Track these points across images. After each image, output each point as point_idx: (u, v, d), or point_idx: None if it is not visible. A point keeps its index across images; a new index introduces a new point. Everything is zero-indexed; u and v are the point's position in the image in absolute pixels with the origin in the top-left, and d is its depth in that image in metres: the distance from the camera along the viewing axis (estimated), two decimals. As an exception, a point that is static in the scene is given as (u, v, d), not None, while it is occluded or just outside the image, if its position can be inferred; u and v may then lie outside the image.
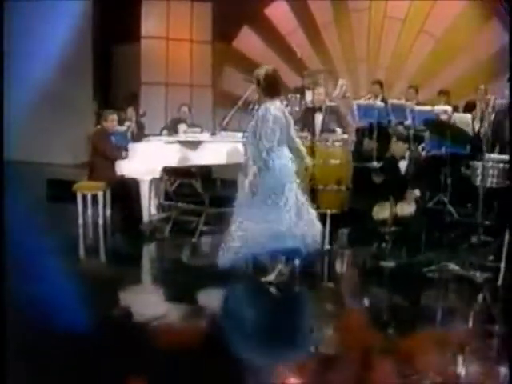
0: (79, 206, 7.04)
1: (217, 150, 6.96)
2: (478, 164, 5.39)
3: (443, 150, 7.05)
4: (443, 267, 5.53)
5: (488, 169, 5.27)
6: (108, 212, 7.20)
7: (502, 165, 5.31)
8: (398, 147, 6.14)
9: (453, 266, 5.51)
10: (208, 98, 11.31)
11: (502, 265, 5.28)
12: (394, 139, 6.22)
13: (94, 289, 5.07)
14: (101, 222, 7.05)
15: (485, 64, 9.72)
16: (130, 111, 9.13)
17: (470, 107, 8.28)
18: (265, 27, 11.04)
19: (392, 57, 10.46)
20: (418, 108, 8.06)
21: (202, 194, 6.94)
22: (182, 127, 8.91)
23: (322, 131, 6.56)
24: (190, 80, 11.31)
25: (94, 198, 7.10)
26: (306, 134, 6.45)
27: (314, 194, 6.35)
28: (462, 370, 3.92)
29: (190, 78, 11.32)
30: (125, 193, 6.91)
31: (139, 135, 8.63)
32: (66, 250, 6.18)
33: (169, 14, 10.93)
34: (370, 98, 8.91)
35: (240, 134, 7.49)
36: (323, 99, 6.95)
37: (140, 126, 9.18)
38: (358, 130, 8.71)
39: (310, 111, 6.81)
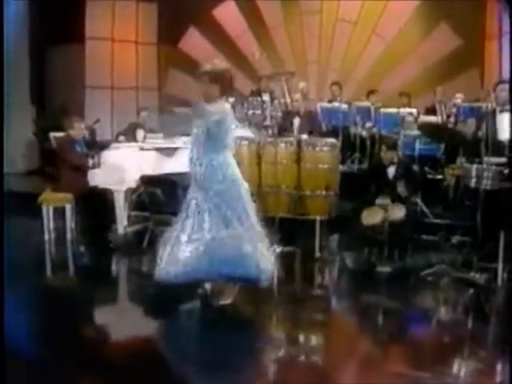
0: (45, 219, 6.52)
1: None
2: (472, 166, 5.41)
3: (416, 152, 7.14)
4: (440, 270, 5.53)
5: (483, 171, 5.29)
6: (74, 226, 6.71)
7: (494, 167, 5.34)
8: (387, 155, 6.10)
9: (449, 268, 5.51)
10: (154, 102, 10.90)
11: (500, 266, 5.34)
12: (383, 148, 6.16)
13: (68, 310, 4.68)
14: (69, 236, 6.56)
15: (435, 67, 9.95)
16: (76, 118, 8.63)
17: (430, 111, 8.44)
18: (212, 29, 10.80)
19: (343, 59, 10.50)
20: (383, 110, 8.12)
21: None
22: (139, 133, 8.51)
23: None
24: (136, 83, 10.88)
25: (56, 210, 6.64)
26: (291, 138, 6.26)
27: (300, 201, 6.23)
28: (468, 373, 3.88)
29: (136, 80, 10.88)
30: (95, 204, 6.48)
31: (91, 142, 8.19)
32: (31, 269, 5.69)
33: (114, 14, 10.44)
34: (331, 101, 8.88)
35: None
36: (300, 104, 6.79)
37: (92, 133, 8.71)
38: (321, 133, 8.65)
39: (289, 115, 6.65)
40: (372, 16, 10.26)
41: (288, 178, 6.15)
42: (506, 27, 9.12)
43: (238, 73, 10.63)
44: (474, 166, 5.33)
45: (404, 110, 7.93)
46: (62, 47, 10.23)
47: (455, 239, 6.42)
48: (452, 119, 7.85)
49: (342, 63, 10.50)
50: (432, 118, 7.81)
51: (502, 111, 5.55)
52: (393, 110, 8.02)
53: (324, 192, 6.10)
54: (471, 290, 5.25)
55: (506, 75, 8.92)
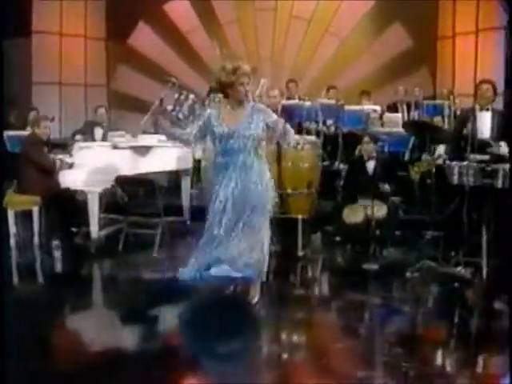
0: (11, 224, 6.14)
1: (166, 156, 6.48)
2: (455, 164, 5.50)
3: (386, 148, 7.23)
4: (424, 265, 5.58)
5: (465, 168, 5.39)
6: (41, 229, 6.34)
7: (475, 164, 5.43)
8: (368, 147, 6.13)
9: (433, 264, 5.58)
10: (102, 99, 10.52)
11: (484, 260, 5.46)
12: (365, 139, 6.17)
13: (37, 320, 4.39)
14: (36, 241, 6.19)
15: (388, 65, 10.12)
16: (33, 115, 8.21)
17: (391, 108, 8.56)
18: (163, 24, 10.55)
19: (297, 57, 10.50)
20: (347, 107, 8.14)
21: (157, 203, 6.36)
22: (98, 131, 8.18)
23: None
24: (85, 79, 10.46)
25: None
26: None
27: (281, 200, 6.14)
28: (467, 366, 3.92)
29: (85, 76, 10.45)
30: (65, 207, 6.17)
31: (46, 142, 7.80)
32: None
33: (62, 7, 9.96)
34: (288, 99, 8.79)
35: (162, 137, 7.07)
36: (278, 101, 6.73)
37: (46, 131, 8.29)
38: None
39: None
40: (326, 14, 10.33)
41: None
42: (458, 28, 9.46)
43: (189, 70, 10.52)
44: (455, 162, 5.43)
45: (368, 107, 8.00)
46: (6, 41, 9.64)
47: (428, 235, 6.54)
48: (415, 116, 8.01)
49: (296, 61, 10.50)
50: (398, 116, 7.93)
51: (481, 110, 5.68)
52: (356, 107, 8.07)
53: (306, 190, 6.05)
54: (456, 284, 5.34)
55: (461, 74, 9.27)
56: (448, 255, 5.73)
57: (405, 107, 8.42)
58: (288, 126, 4.52)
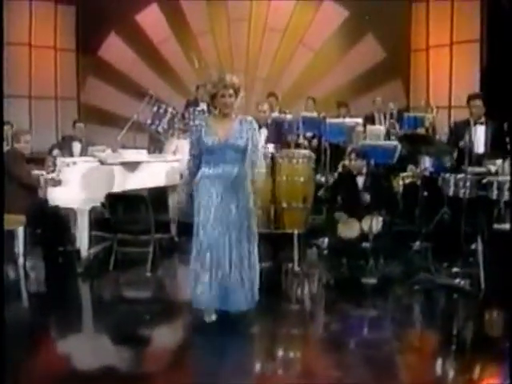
0: (-6, 244, 5.84)
1: (155, 172, 6.33)
2: (450, 176, 5.56)
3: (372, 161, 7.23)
4: (422, 277, 5.58)
5: (462, 180, 5.44)
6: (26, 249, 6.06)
7: (472, 176, 5.49)
8: (357, 164, 6.14)
9: (430, 276, 5.59)
10: (73, 112, 10.25)
11: (481, 271, 5.50)
12: (353, 156, 6.18)
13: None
14: (21, 262, 5.92)
15: (361, 77, 10.19)
16: (7, 129, 7.90)
17: (369, 119, 8.60)
18: (135, 35, 10.37)
19: (271, 68, 10.48)
20: (329, 120, 8.14)
21: (147, 219, 6.14)
22: (76, 146, 7.96)
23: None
24: (55, 92, 10.16)
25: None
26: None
27: (276, 215, 6.07)
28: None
29: (55, 89, 10.16)
30: (52, 225, 5.93)
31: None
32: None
33: (31, 17, 9.66)
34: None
35: (144, 151, 6.92)
36: (268, 115, 6.65)
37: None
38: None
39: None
40: (300, 25, 10.34)
41: (263, 192, 5.95)
42: (432, 41, 9.61)
43: (161, 82, 10.35)
44: (449, 174, 5.48)
45: (350, 120, 8.02)
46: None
47: (416, 246, 6.55)
48: (397, 129, 8.06)
49: (270, 72, 10.47)
50: (380, 128, 7.96)
51: (475, 123, 5.76)
52: (338, 120, 8.09)
53: (301, 205, 5.99)
54: (455, 296, 5.36)
55: (435, 87, 9.41)
56: (439, 266, 5.79)
57: (382, 118, 8.48)
58: (258, 161, 4.54)
